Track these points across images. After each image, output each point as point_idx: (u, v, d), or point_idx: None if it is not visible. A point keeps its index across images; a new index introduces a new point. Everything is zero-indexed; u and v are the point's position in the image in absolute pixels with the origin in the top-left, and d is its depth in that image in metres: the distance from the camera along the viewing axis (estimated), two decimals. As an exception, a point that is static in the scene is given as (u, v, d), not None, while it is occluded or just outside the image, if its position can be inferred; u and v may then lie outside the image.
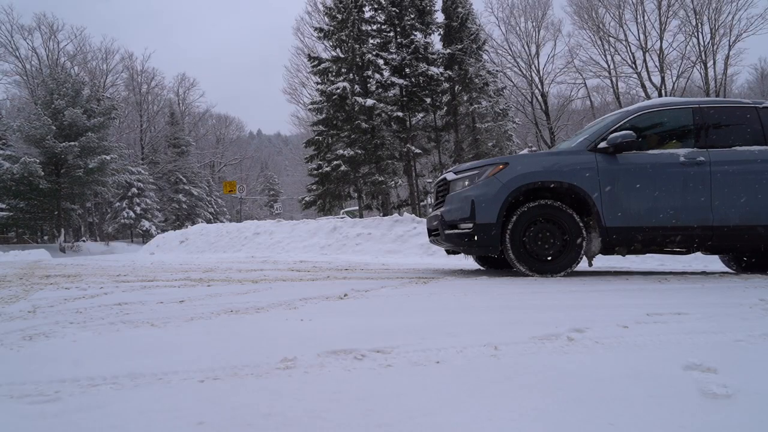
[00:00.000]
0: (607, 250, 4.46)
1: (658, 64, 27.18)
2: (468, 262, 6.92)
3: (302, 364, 1.60)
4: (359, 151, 19.75)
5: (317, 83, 22.24)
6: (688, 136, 4.47)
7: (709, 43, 26.50)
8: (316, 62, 20.92)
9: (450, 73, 22.10)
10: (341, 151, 19.80)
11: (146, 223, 32.72)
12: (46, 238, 31.38)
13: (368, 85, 20.83)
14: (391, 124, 20.98)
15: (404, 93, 21.27)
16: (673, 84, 27.28)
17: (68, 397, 1.33)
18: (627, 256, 4.91)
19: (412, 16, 21.63)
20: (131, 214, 32.62)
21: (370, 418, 1.17)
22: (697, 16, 26.20)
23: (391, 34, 21.82)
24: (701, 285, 3.64)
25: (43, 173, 23.64)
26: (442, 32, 23.03)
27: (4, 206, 25.45)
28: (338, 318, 2.46)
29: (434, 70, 21.03)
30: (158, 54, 70.16)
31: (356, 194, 21.12)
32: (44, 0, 42.57)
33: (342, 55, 20.66)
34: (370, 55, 20.40)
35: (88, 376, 1.49)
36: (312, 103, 21.96)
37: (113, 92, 37.22)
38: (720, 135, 4.46)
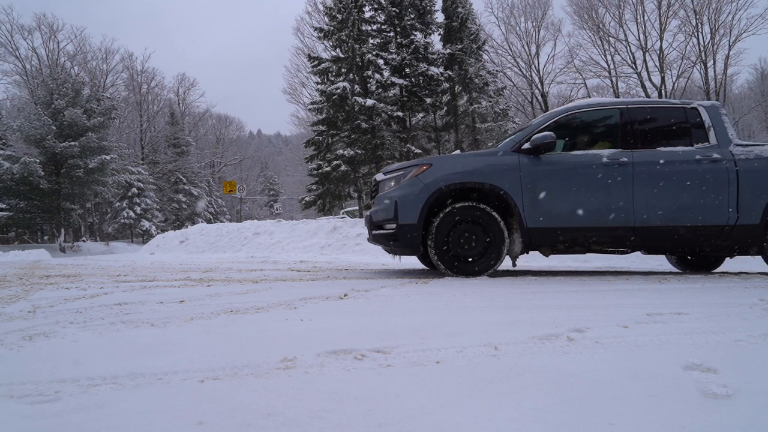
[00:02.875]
0: (529, 250, 4.47)
1: (658, 64, 27.19)
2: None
3: (302, 364, 1.60)
4: (359, 151, 19.75)
5: (317, 83, 22.24)
6: (615, 136, 4.45)
7: (709, 43, 26.51)
8: (316, 62, 20.92)
9: (450, 73, 22.10)
10: (341, 151, 19.80)
11: (146, 223, 32.71)
12: (46, 238, 31.39)
13: (368, 85, 20.83)
14: (391, 124, 20.98)
15: (404, 93, 21.27)
16: (673, 84, 27.28)
17: (68, 397, 1.33)
18: (568, 255, 4.91)
19: (412, 16, 21.63)
20: (131, 214, 32.62)
21: (370, 418, 1.17)
22: (697, 16, 26.20)
23: (391, 34, 21.81)
24: (701, 285, 3.64)
25: (43, 173, 23.65)
26: (442, 32, 23.02)
27: (4, 206, 25.44)
28: (338, 318, 2.46)
29: (434, 70, 21.02)
30: (158, 54, 70.20)
31: (356, 194, 21.12)
32: (44, 0, 42.55)
33: (342, 55, 20.66)
34: (370, 55, 20.40)
35: (88, 376, 1.49)
36: (312, 103, 21.96)
37: (113, 92, 37.21)
38: (646, 136, 4.44)
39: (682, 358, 1.59)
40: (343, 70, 20.58)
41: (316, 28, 22.38)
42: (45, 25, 35.50)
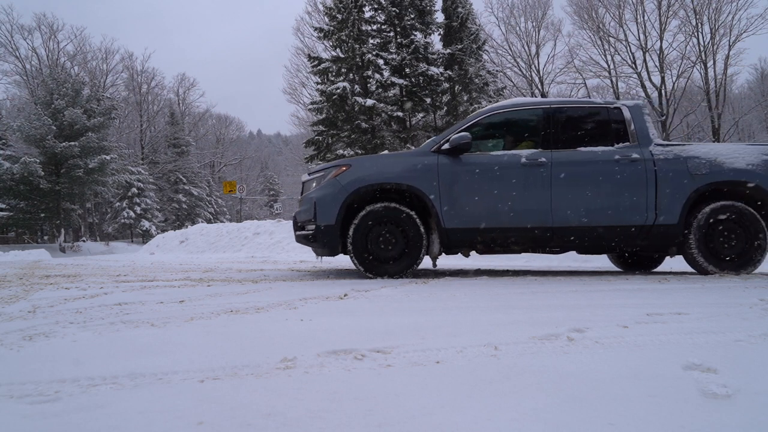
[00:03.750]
0: (448, 251, 4.46)
1: (658, 64, 27.16)
2: (468, 261, 6.92)
3: (302, 364, 1.60)
4: (359, 151, 19.75)
5: (317, 83, 22.23)
6: (537, 136, 4.44)
7: (709, 43, 26.48)
8: (316, 62, 20.92)
9: (450, 73, 22.09)
10: (341, 151, 19.79)
11: (146, 223, 32.71)
12: (46, 238, 31.37)
13: (368, 85, 20.83)
14: (391, 124, 20.98)
15: (404, 93, 21.26)
16: (673, 84, 27.26)
17: (68, 397, 1.33)
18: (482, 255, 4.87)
19: (412, 16, 21.62)
20: (131, 214, 32.62)
21: (370, 418, 1.17)
22: (697, 16, 26.18)
23: (391, 34, 21.81)
24: (701, 285, 3.64)
25: (43, 173, 23.65)
26: (442, 32, 23.01)
27: (4, 206, 25.45)
28: (338, 318, 2.46)
29: (434, 70, 21.02)
30: (158, 54, 70.20)
31: (356, 194, 21.09)
32: (44, 0, 42.54)
33: (342, 55, 20.65)
34: (370, 55, 20.40)
35: (88, 376, 1.50)
36: (312, 103, 21.96)
37: (113, 92, 37.21)
38: (569, 136, 4.43)
39: (682, 358, 1.59)
40: (343, 70, 20.58)
41: (316, 28, 22.37)
42: (45, 25, 35.51)
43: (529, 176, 4.24)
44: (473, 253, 4.62)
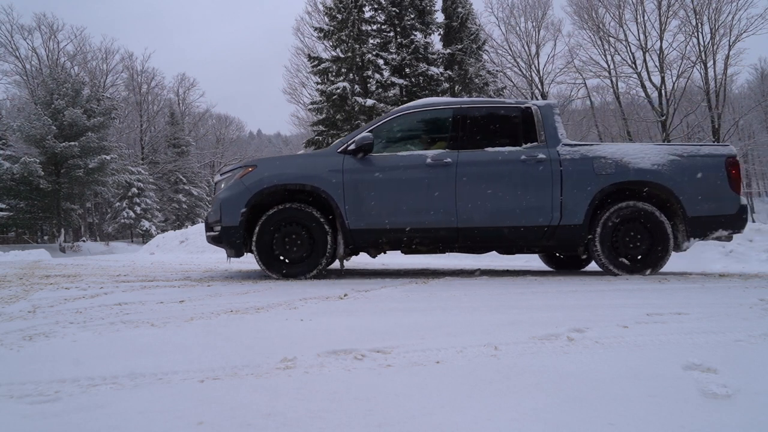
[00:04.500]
0: (353, 251, 4.46)
1: (658, 64, 27.14)
2: (468, 261, 6.92)
3: (302, 364, 1.60)
4: (359, 151, 19.75)
5: (317, 83, 22.24)
6: (446, 136, 4.42)
7: (709, 43, 26.46)
8: (316, 62, 20.92)
9: (450, 73, 22.10)
10: (341, 151, 19.77)
11: (146, 223, 32.70)
12: (46, 238, 31.38)
13: (368, 85, 20.83)
14: (391, 124, 20.97)
15: (404, 93, 21.26)
16: (673, 84, 27.23)
17: (68, 397, 1.33)
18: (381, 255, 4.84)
19: (412, 16, 21.62)
20: (131, 214, 32.61)
21: (370, 418, 1.17)
22: (697, 16, 26.16)
23: (391, 34, 21.81)
24: (701, 285, 3.64)
25: (43, 173, 23.64)
26: (442, 32, 23.02)
27: (4, 206, 25.44)
28: (338, 318, 2.46)
29: (434, 70, 21.02)
30: (158, 54, 70.20)
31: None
32: (44, 0, 42.54)
33: (342, 55, 20.66)
34: (370, 55, 20.40)
35: (88, 376, 1.50)
36: (312, 103, 21.97)
37: (113, 92, 37.19)
38: (478, 135, 4.41)
39: (682, 358, 1.59)
40: (343, 70, 20.58)
41: (316, 28, 22.37)
42: (45, 25, 35.50)
43: (434, 177, 4.22)
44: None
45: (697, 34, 26.33)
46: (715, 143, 4.98)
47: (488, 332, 2.02)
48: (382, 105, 19.94)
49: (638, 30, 27.53)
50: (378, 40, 21.97)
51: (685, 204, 4.23)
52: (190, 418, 1.18)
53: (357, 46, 20.12)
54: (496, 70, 26.48)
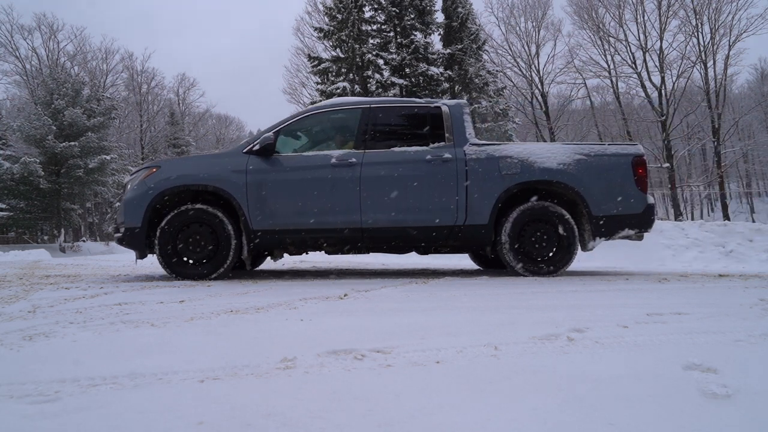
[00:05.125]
0: (259, 252, 4.45)
1: (658, 64, 27.14)
2: (468, 261, 6.92)
3: (302, 364, 1.60)
4: (359, 151, 19.78)
5: (317, 83, 22.25)
6: (354, 136, 4.41)
7: (709, 43, 26.47)
8: (316, 62, 20.93)
9: (450, 73, 22.10)
10: (341, 151, 19.80)
11: (146, 223, 32.64)
12: (46, 238, 31.37)
13: (368, 85, 20.83)
14: (391, 124, 20.99)
15: (404, 93, 21.26)
16: (673, 84, 27.23)
17: (68, 397, 1.33)
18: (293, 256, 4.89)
19: (412, 16, 21.63)
20: (131, 214, 32.54)
21: (370, 418, 1.17)
22: (697, 16, 26.17)
23: (391, 34, 21.82)
24: (701, 285, 3.64)
25: (43, 173, 23.64)
26: (442, 32, 23.02)
27: (4, 206, 25.43)
28: (338, 318, 2.46)
29: (434, 70, 21.03)
30: (158, 54, 70.16)
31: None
32: (44, 0, 42.53)
33: (342, 55, 20.67)
34: (370, 55, 20.41)
35: (88, 376, 1.50)
36: (312, 103, 21.97)
37: (113, 92, 37.17)
38: (385, 135, 4.40)
39: (682, 358, 1.59)
40: (343, 70, 20.59)
41: (316, 28, 22.37)
42: (45, 25, 35.48)
43: (339, 177, 4.20)
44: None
45: (697, 34, 26.35)
46: (623, 143, 4.96)
47: (488, 332, 2.02)
48: (382, 105, 19.94)
49: (638, 30, 27.55)
50: (378, 40, 21.97)
51: (590, 203, 4.22)
52: (190, 418, 1.18)
53: (357, 46, 20.12)
54: (496, 70, 26.47)
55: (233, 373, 1.51)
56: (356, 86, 20.22)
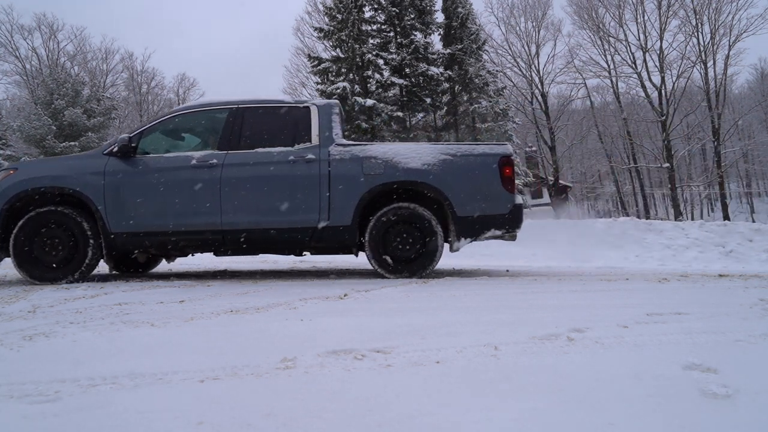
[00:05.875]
0: (119, 254, 4.40)
1: (658, 64, 27.11)
2: (468, 261, 6.92)
3: (302, 364, 1.60)
4: (359, 151, 19.74)
5: (317, 83, 22.23)
6: (219, 137, 4.34)
7: (709, 43, 26.45)
8: (316, 62, 20.92)
9: (450, 73, 22.09)
10: (341, 151, 19.77)
11: (146, 223, 32.70)
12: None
13: (368, 85, 20.83)
14: (391, 124, 20.97)
15: (404, 93, 21.26)
16: (673, 84, 27.20)
17: (68, 397, 1.33)
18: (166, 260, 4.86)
19: (412, 16, 21.61)
20: (131, 214, 32.60)
21: (370, 418, 1.17)
22: (697, 16, 26.15)
23: (391, 34, 21.80)
24: (701, 285, 3.64)
25: (43, 173, 23.62)
26: (442, 32, 23.00)
27: (4, 206, 25.40)
28: (338, 318, 2.46)
29: (434, 70, 21.01)
30: (158, 54, 70.17)
31: (356, 194, 21.09)
32: (44, 0, 42.53)
33: (342, 55, 20.65)
34: (370, 55, 20.40)
35: (88, 376, 1.50)
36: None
37: (113, 92, 37.18)
38: (252, 136, 4.32)
39: (682, 358, 1.59)
40: (343, 70, 20.58)
41: (316, 28, 22.36)
42: (45, 25, 35.46)
43: (200, 178, 4.14)
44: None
45: (697, 34, 26.34)
46: (492, 143, 4.86)
47: (488, 332, 2.02)
48: (382, 105, 19.95)
49: (638, 30, 27.53)
50: (378, 40, 21.96)
51: (454, 204, 4.16)
52: (190, 418, 1.18)
53: (357, 46, 20.12)
54: (496, 70, 26.45)
55: (233, 373, 1.51)
56: (356, 86, 20.22)
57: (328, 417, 1.18)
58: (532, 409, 1.22)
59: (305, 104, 4.46)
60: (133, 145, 4.21)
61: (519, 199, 4.37)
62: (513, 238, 4.43)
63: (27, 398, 1.32)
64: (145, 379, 1.46)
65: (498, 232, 4.29)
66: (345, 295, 3.17)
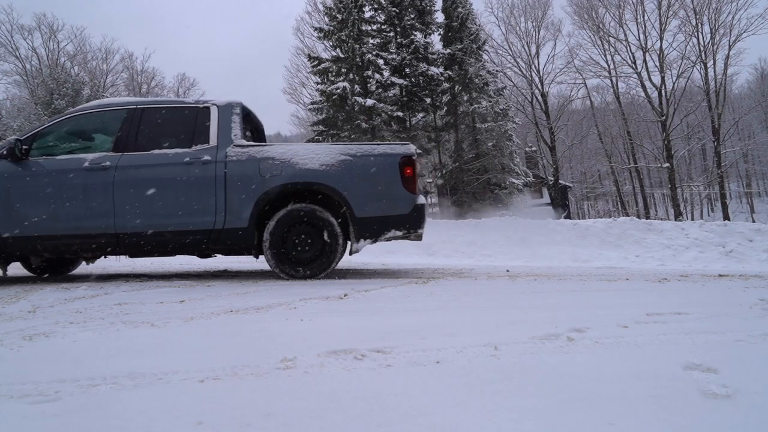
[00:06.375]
0: (9, 260, 4.35)
1: (658, 64, 27.12)
2: (468, 261, 6.92)
3: (302, 364, 1.60)
4: (359, 151, 19.73)
5: (317, 83, 22.22)
6: (116, 138, 4.26)
7: (709, 43, 26.46)
8: (316, 62, 20.92)
9: (450, 73, 22.09)
10: (341, 151, 19.76)
11: (146, 223, 32.68)
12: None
13: (368, 85, 20.83)
14: (391, 124, 20.97)
15: (404, 93, 21.27)
16: (673, 84, 27.21)
17: (68, 397, 1.33)
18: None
19: (412, 16, 21.61)
20: (131, 214, 32.58)
21: (370, 418, 1.17)
22: (697, 16, 26.16)
23: (391, 34, 21.80)
24: (701, 285, 3.64)
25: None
26: (442, 32, 23.01)
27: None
28: (338, 318, 2.46)
29: (434, 70, 21.01)
30: (158, 54, 70.16)
31: (356, 194, 21.10)
32: (44, 0, 42.53)
33: (342, 55, 20.65)
34: (370, 55, 20.40)
35: (88, 376, 1.50)
36: (312, 103, 21.95)
37: (113, 92, 37.18)
38: (149, 137, 4.26)
39: (682, 358, 1.59)
40: (343, 70, 20.57)
41: (316, 28, 22.35)
42: (45, 25, 35.43)
43: (92, 181, 4.08)
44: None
45: (697, 34, 26.35)
46: (394, 143, 4.82)
47: (488, 332, 2.02)
48: (382, 105, 19.95)
49: (638, 30, 27.54)
50: (378, 40, 21.95)
51: (353, 205, 4.13)
52: (190, 418, 1.18)
53: (357, 46, 20.12)
54: (496, 70, 26.44)
55: (233, 373, 1.51)
56: (356, 86, 20.22)
57: (328, 417, 1.18)
58: (532, 409, 1.22)
59: (205, 104, 4.40)
60: (25, 147, 4.15)
61: (421, 199, 4.33)
62: (418, 238, 4.39)
63: (27, 398, 1.32)
64: (145, 379, 1.46)
65: (399, 233, 4.25)
66: (345, 295, 3.17)
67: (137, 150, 4.21)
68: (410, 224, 4.26)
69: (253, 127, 5.21)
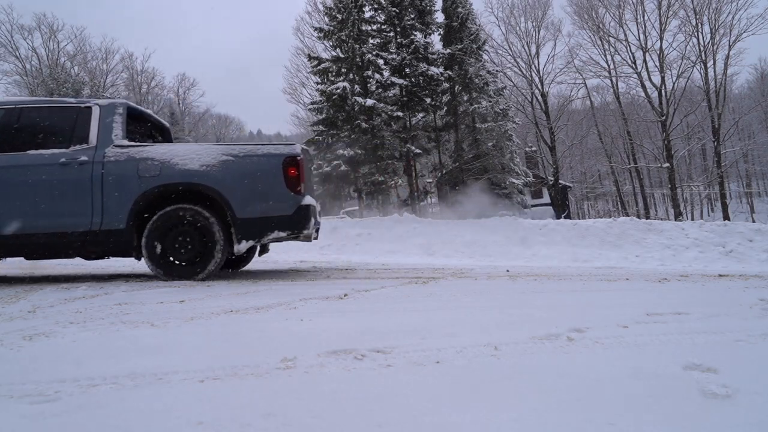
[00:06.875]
0: None
1: (658, 64, 27.12)
2: (468, 261, 6.92)
3: (302, 364, 1.60)
4: (359, 151, 19.74)
5: (317, 83, 22.23)
6: None
7: (709, 43, 26.46)
8: (316, 62, 20.91)
9: (450, 73, 22.09)
10: (341, 151, 19.78)
11: (146, 223, 32.66)
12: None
13: (368, 85, 20.82)
14: (391, 124, 20.97)
15: (404, 93, 21.27)
16: (673, 84, 27.21)
17: (68, 397, 1.33)
18: None
19: (412, 16, 21.61)
20: (131, 214, 32.56)
21: (370, 418, 1.17)
22: (697, 16, 26.17)
23: (391, 34, 21.80)
24: (701, 285, 3.63)
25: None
26: (442, 32, 23.01)
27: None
28: (338, 318, 2.46)
29: (434, 70, 21.00)
30: (158, 54, 70.13)
31: (356, 194, 21.12)
32: (44, 0, 42.55)
33: (342, 55, 20.65)
34: (370, 55, 20.39)
35: (88, 376, 1.50)
36: (312, 103, 21.95)
37: (113, 92, 37.16)
38: (24, 138, 4.16)
39: (682, 358, 1.59)
40: (343, 70, 20.58)
41: (316, 28, 22.35)
42: (45, 25, 35.42)
43: None
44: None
45: (697, 34, 26.36)
46: (279, 143, 4.74)
47: (488, 332, 2.02)
48: (382, 105, 19.95)
49: (638, 30, 27.55)
50: (378, 40, 21.95)
51: (234, 205, 4.10)
52: (190, 418, 1.18)
53: (357, 46, 20.12)
54: (496, 70, 26.44)
55: (233, 373, 1.51)
56: (356, 86, 20.22)
57: (328, 417, 1.18)
58: (532, 409, 1.22)
59: (87, 104, 4.34)
60: None
61: (307, 200, 4.29)
62: (306, 239, 4.35)
63: (27, 398, 1.32)
64: (145, 379, 1.46)
65: (282, 234, 4.22)
66: (345, 295, 3.17)
67: (13, 150, 4.12)
68: (294, 225, 4.21)
69: (155, 129, 5.17)
